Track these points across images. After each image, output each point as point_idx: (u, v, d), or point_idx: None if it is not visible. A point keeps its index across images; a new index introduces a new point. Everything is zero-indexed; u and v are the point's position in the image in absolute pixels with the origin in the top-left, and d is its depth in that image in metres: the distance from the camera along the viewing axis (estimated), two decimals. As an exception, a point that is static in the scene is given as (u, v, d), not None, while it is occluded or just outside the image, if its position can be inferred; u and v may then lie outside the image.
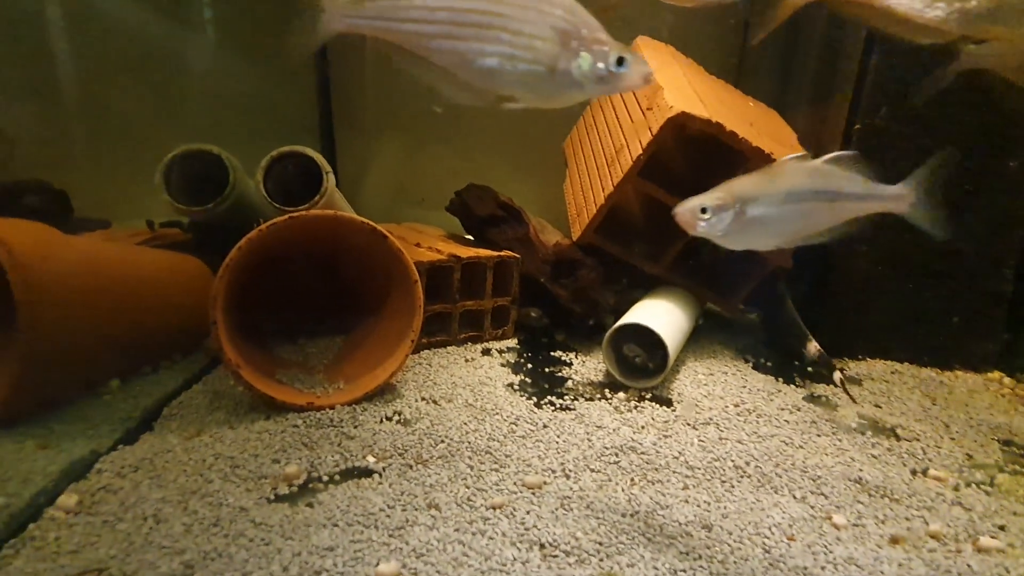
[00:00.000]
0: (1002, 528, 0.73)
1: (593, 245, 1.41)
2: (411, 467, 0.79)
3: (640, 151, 1.28)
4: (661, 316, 1.22)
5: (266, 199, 1.39)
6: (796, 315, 1.33)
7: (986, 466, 0.91)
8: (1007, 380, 1.25)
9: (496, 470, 0.79)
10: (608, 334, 1.14)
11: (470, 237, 1.60)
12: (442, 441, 0.86)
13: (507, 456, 0.83)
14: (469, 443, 0.86)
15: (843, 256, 1.34)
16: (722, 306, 1.44)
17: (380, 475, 0.77)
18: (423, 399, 1.02)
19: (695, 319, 1.37)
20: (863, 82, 1.27)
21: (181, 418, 0.90)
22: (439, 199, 1.68)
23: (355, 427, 0.89)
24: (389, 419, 0.93)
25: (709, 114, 1.23)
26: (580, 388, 1.12)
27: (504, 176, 2.05)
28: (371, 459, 0.81)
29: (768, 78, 1.83)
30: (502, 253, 1.37)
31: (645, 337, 1.12)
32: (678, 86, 1.37)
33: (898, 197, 0.81)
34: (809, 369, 1.26)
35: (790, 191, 0.74)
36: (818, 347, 1.18)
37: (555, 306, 1.38)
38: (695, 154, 1.38)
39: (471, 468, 0.80)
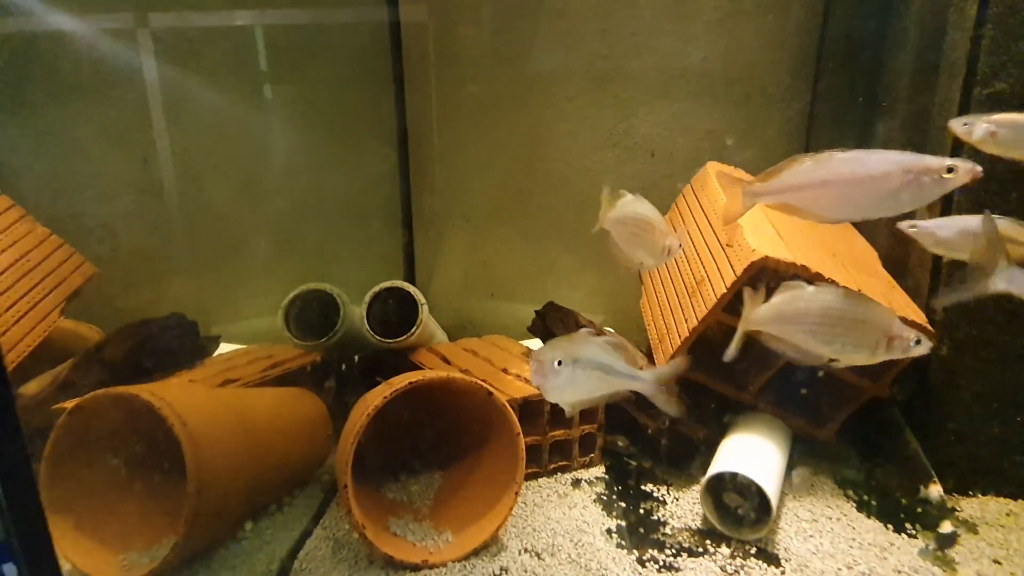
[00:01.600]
0: None
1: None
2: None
3: (724, 290, 1.32)
4: (758, 457, 1.21)
5: (368, 332, 1.53)
6: (918, 448, 1.28)
7: None
8: None
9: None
10: (704, 481, 1.15)
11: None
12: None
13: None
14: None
15: (945, 387, 1.30)
16: (815, 435, 1.41)
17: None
18: (525, 550, 1.05)
19: (788, 450, 1.35)
20: (947, 211, 1.27)
21: (309, 572, 0.98)
22: (507, 292, 1.74)
23: (463, 591, 0.94)
24: (498, 577, 0.97)
25: (792, 255, 1.27)
26: (679, 535, 1.12)
27: (574, 269, 2.11)
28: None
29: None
30: (588, 381, 1.42)
31: (745, 481, 1.11)
32: (756, 222, 1.43)
33: (647, 381, 0.85)
34: (919, 511, 1.20)
35: (591, 360, 0.79)
36: (941, 490, 1.13)
37: (640, 431, 1.40)
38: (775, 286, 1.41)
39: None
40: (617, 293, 2.11)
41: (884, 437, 1.41)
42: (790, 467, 1.31)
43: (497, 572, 0.98)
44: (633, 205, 0.99)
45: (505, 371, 1.50)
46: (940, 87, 1.38)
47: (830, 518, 1.18)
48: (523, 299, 2.03)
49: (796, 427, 1.41)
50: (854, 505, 1.23)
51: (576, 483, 1.32)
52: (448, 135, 2.09)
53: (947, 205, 1.27)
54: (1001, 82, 1.19)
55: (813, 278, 1.27)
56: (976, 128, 0.88)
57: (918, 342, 0.80)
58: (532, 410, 1.35)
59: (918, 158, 0.73)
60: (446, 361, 1.59)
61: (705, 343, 1.49)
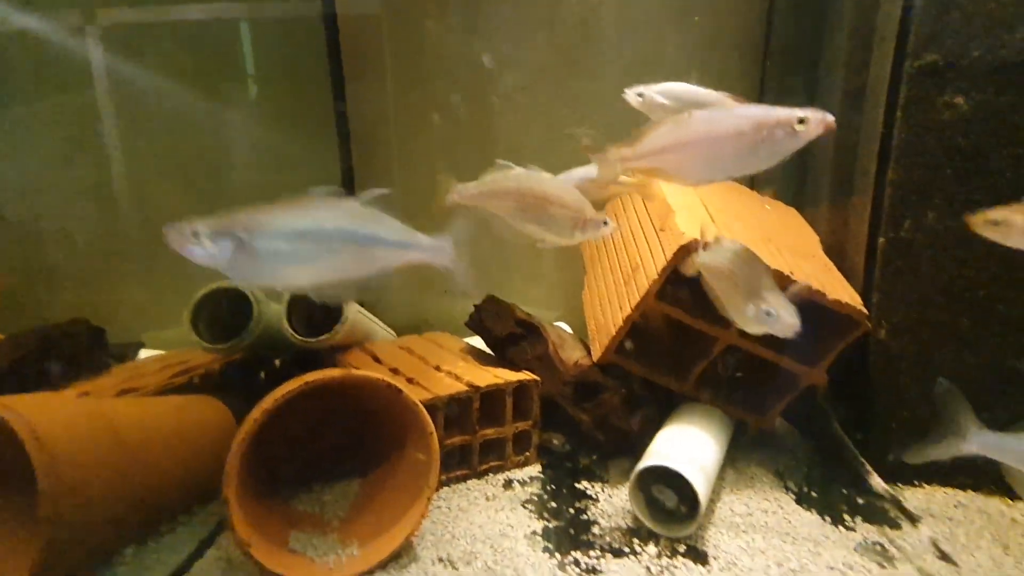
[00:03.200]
0: None
1: (614, 365, 1.38)
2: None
3: (656, 275, 1.27)
4: (691, 449, 1.15)
5: (289, 332, 1.44)
6: (846, 440, 1.24)
7: (1082, 654, 0.78)
8: (1093, 515, 1.11)
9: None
10: (633, 476, 1.09)
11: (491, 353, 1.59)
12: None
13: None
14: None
15: (884, 371, 1.26)
16: (754, 423, 1.36)
17: None
18: (440, 560, 0.97)
19: (727, 441, 1.30)
20: (881, 197, 1.24)
21: (194, 598, 0.89)
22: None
23: (368, 606, 0.86)
24: (405, 591, 0.89)
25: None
26: (608, 535, 1.05)
27: (532, 264, 2.05)
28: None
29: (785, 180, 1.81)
30: (521, 376, 1.35)
31: (675, 475, 1.05)
32: (688, 204, 1.37)
33: (438, 248, 0.76)
34: (860, 502, 1.16)
35: (311, 228, 0.67)
36: (882, 481, 1.09)
37: (578, 428, 1.34)
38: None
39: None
40: (576, 288, 2.05)
41: (825, 427, 1.37)
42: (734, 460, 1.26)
43: (405, 585, 0.90)
44: (509, 180, 0.93)
45: (438, 368, 1.42)
46: (874, 62, 1.35)
47: (766, 511, 1.13)
48: (479, 296, 1.96)
49: (736, 417, 1.36)
50: (793, 497, 1.19)
51: (508, 484, 1.25)
52: (396, 129, 2.02)
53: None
54: (932, 54, 1.16)
55: (745, 261, 1.22)
56: (647, 97, 0.85)
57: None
58: (461, 408, 1.28)
59: (770, 111, 0.70)
60: (377, 360, 1.51)
61: (642, 334, 1.43)
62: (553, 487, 1.24)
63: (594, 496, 1.19)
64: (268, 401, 0.90)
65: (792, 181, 1.80)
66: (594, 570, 0.95)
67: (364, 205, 0.72)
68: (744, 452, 1.35)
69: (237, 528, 0.85)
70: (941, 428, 0.76)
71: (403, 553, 0.98)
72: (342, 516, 1.09)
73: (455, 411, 1.26)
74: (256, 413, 0.89)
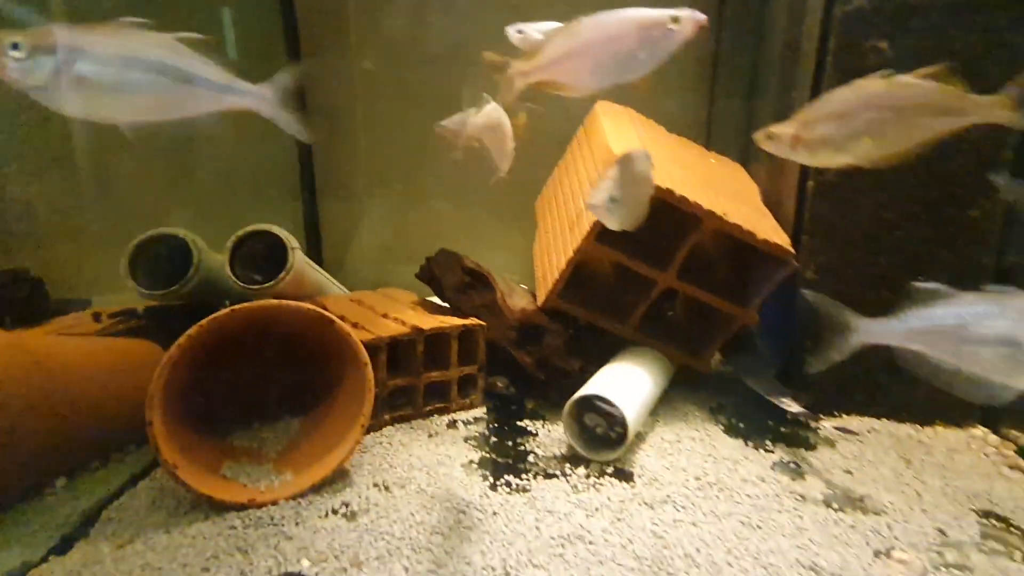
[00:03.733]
0: (967, 624, 0.69)
1: (558, 309, 1.41)
2: (345, 571, 0.77)
3: (595, 217, 1.29)
4: (624, 382, 1.20)
5: (232, 279, 1.42)
6: (771, 372, 1.30)
7: (960, 544, 0.86)
8: (991, 438, 1.20)
9: (432, 571, 0.77)
10: (568, 405, 1.13)
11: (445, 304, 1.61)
12: (383, 538, 0.84)
13: (447, 553, 0.80)
14: (411, 539, 0.84)
15: (811, 309, 1.32)
16: (691, 364, 1.42)
17: (312, 581, 0.75)
18: (375, 485, 1.00)
19: (664, 379, 1.35)
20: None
21: (119, 522, 0.89)
22: (425, 256, 1.69)
23: (296, 524, 0.88)
24: (335, 512, 0.92)
25: (658, 179, 1.25)
26: (541, 463, 1.09)
27: (492, 233, 2.07)
28: (306, 563, 0.79)
29: (735, 132, 1.86)
30: (467, 321, 1.37)
31: (607, 405, 1.10)
32: (631, 151, 1.40)
33: (259, 96, 0.75)
34: (784, 430, 1.23)
35: (134, 56, 0.62)
36: (805, 409, 1.15)
37: (523, 373, 1.37)
38: (660, 216, 1.39)
39: (406, 569, 0.77)
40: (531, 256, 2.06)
41: (759, 364, 1.43)
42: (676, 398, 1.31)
43: (337, 507, 0.93)
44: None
45: (385, 316, 1.43)
46: (808, 12, 1.38)
47: (693, 439, 1.18)
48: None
49: (675, 358, 1.41)
50: (722, 428, 1.25)
51: (452, 423, 1.28)
52: (355, 101, 1.99)
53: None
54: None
55: (678, 202, 1.26)
56: (526, 34, 0.88)
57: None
58: (406, 352, 1.30)
59: (646, 12, 0.72)
60: (325, 311, 1.51)
61: (585, 279, 1.47)
62: (496, 425, 1.27)
63: (534, 432, 1.23)
64: (194, 329, 0.90)
65: (742, 140, 1.85)
66: (524, 489, 0.99)
67: (179, 41, 0.68)
68: (684, 391, 1.40)
69: (162, 450, 0.86)
70: (829, 333, 0.81)
71: (338, 479, 1.00)
72: (280, 450, 1.10)
73: (408, 353, 1.28)
74: (181, 339, 0.89)
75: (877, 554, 0.82)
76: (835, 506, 0.94)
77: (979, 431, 1.22)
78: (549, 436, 1.21)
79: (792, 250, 1.27)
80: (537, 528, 0.87)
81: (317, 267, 1.81)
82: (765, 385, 1.27)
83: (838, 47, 1.23)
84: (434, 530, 0.86)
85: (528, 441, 1.19)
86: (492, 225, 2.11)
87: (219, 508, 0.90)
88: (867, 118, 0.77)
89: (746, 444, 1.17)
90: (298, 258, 1.50)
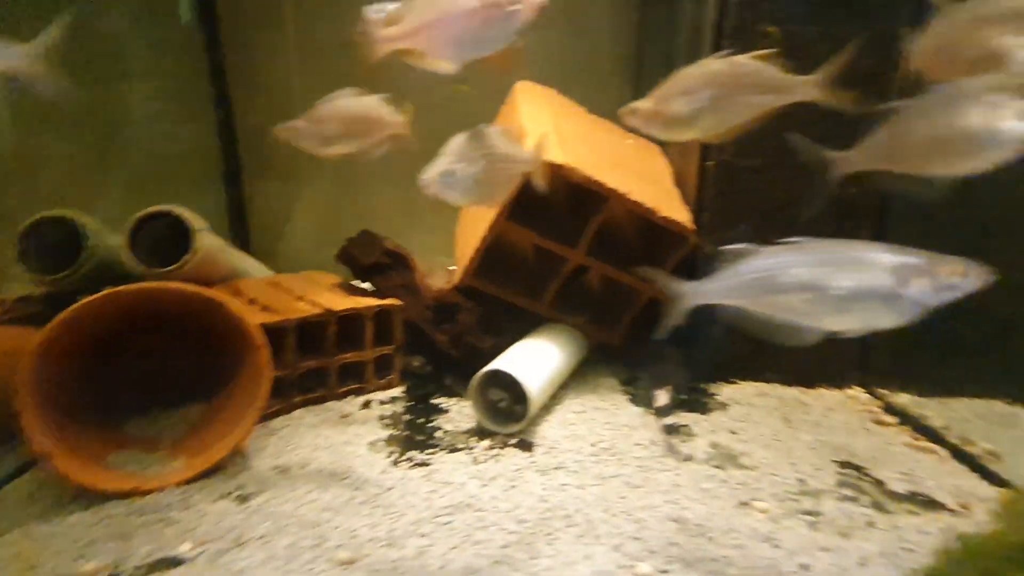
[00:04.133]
0: (805, 567, 0.76)
1: (474, 288, 1.43)
2: (226, 551, 0.77)
3: (506, 197, 1.31)
4: (530, 358, 1.23)
5: (133, 262, 1.36)
6: (674, 348, 1.37)
7: (816, 492, 0.94)
8: (864, 396, 1.31)
9: (315, 546, 0.78)
10: (474, 381, 1.15)
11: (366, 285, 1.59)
12: (271, 517, 0.84)
13: (335, 529, 0.82)
14: (299, 517, 0.84)
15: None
16: (604, 339, 1.47)
17: (189, 564, 0.75)
18: (274, 468, 1.00)
19: (576, 354, 1.40)
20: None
21: (-2, 513, 0.86)
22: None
23: (183, 510, 0.87)
24: (227, 496, 0.91)
25: (565, 159, 1.28)
26: (448, 438, 1.12)
27: (428, 214, 2.05)
28: (186, 546, 0.79)
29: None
30: (382, 302, 1.37)
31: (513, 380, 1.13)
32: (542, 131, 1.42)
33: (8, 54, 0.75)
34: (684, 398, 1.30)
35: None
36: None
37: (440, 351, 1.39)
38: (571, 195, 1.43)
39: (289, 547, 0.78)
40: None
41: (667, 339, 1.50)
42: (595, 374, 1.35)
43: (230, 491, 0.92)
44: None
45: (300, 298, 1.41)
46: (706, 2, 1.42)
47: (598, 408, 1.24)
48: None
49: (589, 334, 1.47)
50: (628, 398, 1.31)
51: (367, 404, 1.29)
52: (282, 80, 1.91)
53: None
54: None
55: (584, 181, 1.29)
56: (382, 15, 0.91)
57: None
58: (316, 333, 1.29)
59: None
60: (237, 294, 1.47)
61: (502, 258, 1.49)
62: (410, 404, 1.29)
63: (447, 409, 1.26)
64: (64, 314, 0.86)
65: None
66: (425, 463, 1.02)
67: None
68: (599, 366, 1.46)
69: (34, 440, 0.83)
70: (664, 299, 0.87)
71: (236, 464, 1.00)
72: (178, 437, 1.08)
73: (322, 335, 1.27)
74: (50, 325, 0.86)
75: (741, 505, 0.90)
76: (714, 464, 1.02)
77: (855, 391, 1.33)
78: (461, 412, 1.23)
79: (691, 227, 1.33)
80: (429, 499, 0.89)
81: (235, 250, 1.75)
82: (655, 373, 1.34)
83: (732, 31, 1.28)
84: (326, 507, 0.87)
85: (439, 418, 1.21)
86: (429, 206, 2.09)
87: (101, 498, 0.88)
88: (709, 95, 0.81)
89: (647, 411, 1.23)
90: (205, 240, 1.44)
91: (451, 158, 0.84)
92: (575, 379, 1.37)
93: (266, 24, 1.90)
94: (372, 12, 0.86)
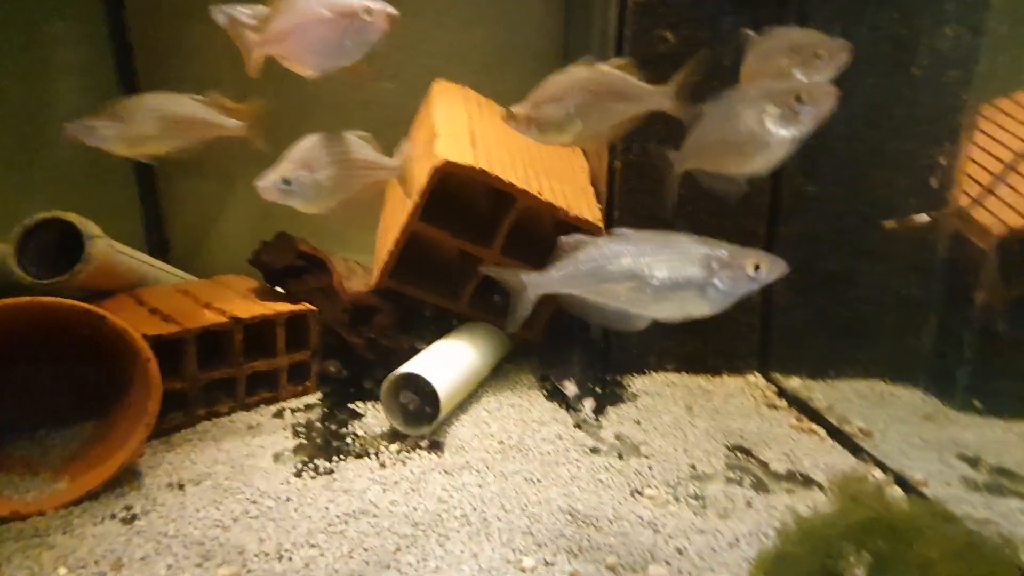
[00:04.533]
0: (680, 551, 0.81)
1: (391, 289, 1.42)
2: (104, 575, 0.74)
3: (417, 199, 1.30)
4: (443, 358, 1.24)
5: (19, 273, 1.27)
6: (587, 343, 1.41)
7: (704, 477, 1.00)
8: (761, 382, 1.40)
9: (198, 564, 0.76)
10: (385, 384, 1.15)
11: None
12: (155, 538, 0.81)
13: (221, 545, 0.80)
14: (185, 536, 0.82)
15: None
16: (523, 336, 1.50)
17: (60, 592, 0.72)
18: (169, 485, 0.96)
19: (495, 352, 1.41)
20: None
21: None
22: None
23: (63, 533, 0.83)
24: (114, 517, 0.87)
25: (475, 160, 1.29)
26: (359, 443, 1.11)
27: (364, 212, 2.00)
28: (63, 571, 0.75)
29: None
30: (295, 307, 1.34)
31: (425, 383, 1.13)
32: (454, 132, 1.42)
33: None
34: (599, 390, 1.34)
35: None
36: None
37: (357, 355, 1.37)
38: (485, 195, 1.43)
39: (170, 566, 0.76)
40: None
41: (584, 334, 1.55)
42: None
43: (117, 512, 0.88)
44: None
45: (207, 306, 1.35)
46: (610, 7, 1.46)
47: (513, 405, 1.26)
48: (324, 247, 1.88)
49: (507, 331, 1.48)
50: (544, 394, 1.34)
51: (280, 413, 1.25)
52: (198, 73, 1.81)
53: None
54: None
55: (494, 182, 1.30)
56: (232, 15, 0.91)
57: None
58: (222, 342, 1.24)
59: (348, 2, 0.75)
60: (140, 303, 1.39)
61: (419, 257, 1.49)
62: (327, 410, 1.26)
63: (363, 414, 1.24)
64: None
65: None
66: (329, 472, 1.00)
67: None
68: (520, 362, 1.48)
69: None
70: (512, 293, 0.90)
71: (126, 483, 0.95)
72: (66, 457, 1.02)
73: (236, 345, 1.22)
74: None
75: (633, 493, 0.94)
76: (616, 454, 1.06)
77: (754, 377, 1.41)
78: (376, 416, 1.23)
79: (600, 225, 1.37)
80: (327, 508, 0.89)
81: (145, 256, 1.66)
82: (563, 366, 1.38)
83: (632, 35, 1.32)
84: (216, 524, 0.85)
85: (354, 423, 1.20)
86: (368, 205, 2.04)
87: (-32, 528, 0.82)
88: (575, 101, 0.84)
89: (560, 407, 1.26)
90: (101, 248, 1.36)
91: (291, 165, 0.83)
92: (495, 377, 1.39)
93: (175, 14, 1.79)
94: (243, 16, 0.84)
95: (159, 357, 1.09)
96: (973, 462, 1.03)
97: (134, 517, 0.87)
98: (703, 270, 0.72)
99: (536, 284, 0.85)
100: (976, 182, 1.32)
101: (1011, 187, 1.30)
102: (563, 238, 0.83)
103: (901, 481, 0.96)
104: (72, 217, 1.36)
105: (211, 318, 1.24)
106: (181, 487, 0.96)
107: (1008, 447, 1.07)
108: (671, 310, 0.77)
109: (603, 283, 0.77)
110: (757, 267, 0.72)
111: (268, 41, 0.78)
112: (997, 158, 1.35)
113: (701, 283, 0.72)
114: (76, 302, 0.93)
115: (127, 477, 0.96)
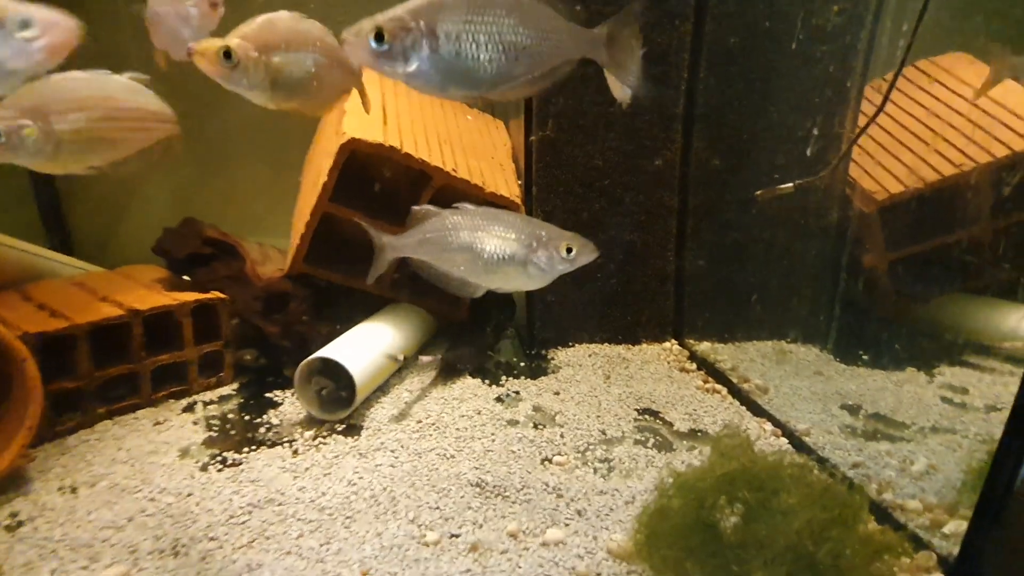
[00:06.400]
0: (579, 513, 0.84)
1: (305, 274, 1.37)
2: (-26, 590, 0.70)
3: (326, 178, 1.26)
4: (361, 342, 1.22)
5: None
6: (509, 321, 1.42)
7: (612, 440, 1.05)
8: (676, 348, 1.46)
9: (84, 567, 0.73)
10: (298, 370, 1.12)
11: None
12: (40, 544, 0.77)
13: (112, 546, 0.77)
14: (72, 539, 0.78)
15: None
16: (448, 315, 1.50)
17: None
18: (60, 489, 0.91)
19: (418, 333, 1.40)
20: (531, 101, 1.38)
21: None
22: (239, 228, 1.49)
23: (-67, 548, 0.77)
24: (-6, 526, 0.82)
25: (385, 138, 1.25)
26: (273, 432, 1.09)
27: (292, 196, 1.91)
28: (-72, 589, 0.70)
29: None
30: (201, 296, 1.28)
31: (339, 367, 1.11)
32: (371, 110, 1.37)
33: None
34: (522, 364, 1.37)
35: None
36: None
37: (272, 344, 1.33)
38: (399, 173, 1.40)
39: (54, 571, 0.72)
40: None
41: (507, 312, 1.56)
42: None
43: (1, 519, 0.83)
44: None
45: (104, 299, 1.27)
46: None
47: (436, 385, 1.27)
48: (252, 232, 1.76)
49: (434, 312, 1.48)
50: (468, 372, 1.34)
51: (190, 407, 1.20)
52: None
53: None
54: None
55: (403, 159, 1.28)
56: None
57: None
58: (119, 335, 1.17)
59: None
60: (27, 299, 1.29)
61: (331, 240, 1.45)
62: (242, 401, 1.22)
63: (280, 402, 1.21)
64: None
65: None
66: (236, 464, 0.98)
67: None
68: (445, 344, 1.48)
69: None
70: (375, 251, 0.93)
71: (11, 488, 0.89)
72: (-62, 470, 0.94)
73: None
74: None
75: (543, 461, 0.97)
76: (532, 425, 1.09)
77: (670, 344, 1.48)
78: (294, 404, 1.20)
79: (517, 201, 1.38)
80: (231, 500, 0.87)
81: (34, 248, 1.52)
82: (469, 352, 1.39)
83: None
84: (108, 525, 0.81)
85: (270, 412, 1.17)
86: (294, 187, 1.95)
87: None
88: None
89: (483, 382, 1.28)
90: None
91: (11, 112, 0.64)
92: (424, 354, 1.38)
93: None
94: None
95: (50, 356, 1.02)
96: (853, 410, 1.13)
97: (19, 524, 0.82)
98: (523, 249, 0.76)
99: (392, 246, 0.89)
100: (864, 151, 1.41)
101: (894, 156, 1.40)
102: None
103: (787, 431, 1.04)
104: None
105: (106, 311, 1.16)
106: (74, 490, 0.91)
107: (885, 395, 1.18)
108: (501, 282, 0.82)
109: (444, 252, 0.82)
110: (569, 249, 0.76)
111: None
112: (884, 128, 1.44)
113: (523, 260, 0.75)
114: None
115: (13, 484, 0.90)
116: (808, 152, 1.35)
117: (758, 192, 1.24)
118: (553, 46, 0.74)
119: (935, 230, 1.40)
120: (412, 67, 0.63)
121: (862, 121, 1.37)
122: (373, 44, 0.62)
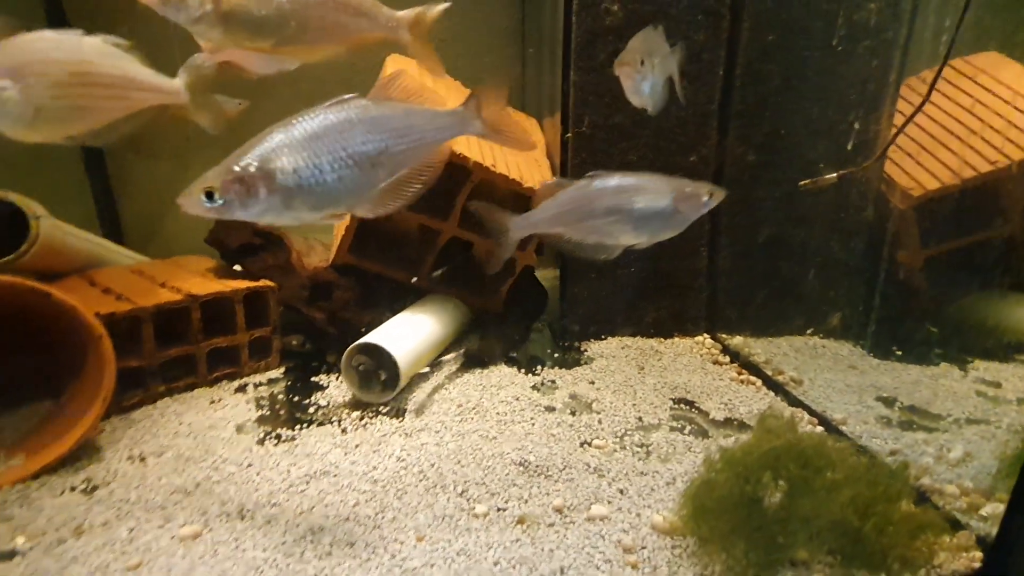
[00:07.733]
0: (622, 491, 0.87)
1: (349, 264, 1.43)
2: (63, 541, 0.76)
3: (371, 172, 1.31)
4: (403, 329, 1.27)
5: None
6: (544, 310, 1.45)
7: (649, 427, 1.07)
8: (708, 341, 1.48)
9: (160, 526, 0.79)
10: (345, 355, 1.18)
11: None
12: (116, 505, 0.83)
13: (183, 509, 0.83)
14: (147, 501, 0.84)
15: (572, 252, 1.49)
16: (484, 306, 1.54)
17: (22, 556, 0.73)
18: (129, 458, 0.97)
19: (455, 322, 1.45)
20: (567, 99, 1.41)
21: None
22: None
23: (21, 507, 0.84)
24: (73, 489, 0.88)
25: (427, 133, 1.30)
26: (322, 412, 1.14)
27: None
28: (21, 540, 0.76)
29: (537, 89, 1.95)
30: (253, 284, 1.34)
31: (383, 352, 1.16)
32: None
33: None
34: (557, 356, 1.40)
35: None
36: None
37: (318, 330, 1.39)
38: (448, 169, 1.45)
39: (131, 530, 0.78)
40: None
41: (541, 302, 1.60)
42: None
43: (77, 484, 0.89)
44: None
45: (163, 285, 1.34)
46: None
47: (474, 372, 1.31)
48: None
49: (469, 302, 1.52)
50: (504, 361, 1.38)
51: (242, 388, 1.27)
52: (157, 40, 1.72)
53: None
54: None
55: (448, 156, 1.32)
56: None
57: None
58: (178, 319, 1.24)
59: None
60: (92, 284, 1.37)
61: (375, 233, 1.50)
62: (289, 384, 1.28)
63: (326, 386, 1.27)
64: None
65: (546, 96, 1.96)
66: (290, 439, 1.03)
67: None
68: (478, 334, 1.52)
69: None
70: (495, 235, 0.96)
71: (84, 457, 0.96)
72: (19, 436, 1.02)
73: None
74: None
75: (582, 444, 1.01)
76: (569, 411, 1.12)
77: (702, 337, 1.50)
78: (339, 387, 1.26)
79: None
80: (288, 471, 0.92)
81: (96, 237, 1.62)
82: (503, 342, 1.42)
83: (580, 7, 1.34)
84: (178, 490, 0.87)
85: (317, 394, 1.23)
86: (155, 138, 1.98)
87: (-82, 507, 0.82)
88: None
89: (519, 371, 1.32)
90: (46, 228, 1.33)
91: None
92: (457, 346, 1.43)
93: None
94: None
95: (115, 337, 1.09)
96: (889, 402, 1.13)
97: (95, 488, 0.89)
98: (668, 199, 0.84)
99: (522, 225, 0.92)
100: (900, 148, 1.41)
101: (930, 153, 1.40)
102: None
103: (824, 420, 1.06)
104: (13, 196, 1.32)
105: (166, 296, 1.24)
106: (143, 459, 0.97)
107: (919, 388, 1.18)
108: (644, 236, 0.88)
109: (585, 220, 0.86)
110: (705, 194, 0.85)
111: None
112: (920, 126, 1.44)
113: (667, 210, 0.84)
114: (18, 278, 0.92)
115: (87, 452, 0.97)
116: (848, 147, 1.36)
117: (802, 182, 1.26)
118: (416, 139, 0.73)
119: (970, 227, 1.39)
120: (254, 211, 0.62)
121: (898, 120, 1.37)
122: (206, 203, 0.61)
